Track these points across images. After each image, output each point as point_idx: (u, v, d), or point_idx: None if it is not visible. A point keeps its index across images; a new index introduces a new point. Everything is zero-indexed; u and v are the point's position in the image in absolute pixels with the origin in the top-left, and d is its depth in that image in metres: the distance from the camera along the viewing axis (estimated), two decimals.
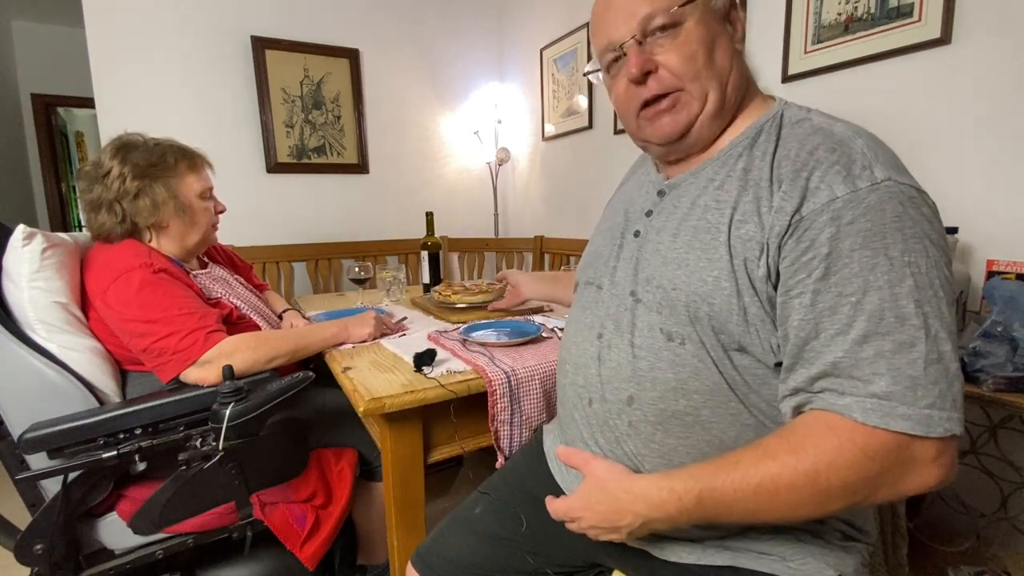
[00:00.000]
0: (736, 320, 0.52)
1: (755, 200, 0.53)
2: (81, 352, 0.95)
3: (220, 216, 1.22)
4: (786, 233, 0.49)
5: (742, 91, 0.60)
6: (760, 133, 0.57)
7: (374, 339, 1.16)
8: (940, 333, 0.45)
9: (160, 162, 1.08)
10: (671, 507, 0.51)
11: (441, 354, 0.99)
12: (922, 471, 0.45)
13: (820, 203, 0.48)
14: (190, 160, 1.14)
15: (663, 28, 0.56)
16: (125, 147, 1.07)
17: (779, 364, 0.53)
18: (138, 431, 0.89)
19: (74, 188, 4.41)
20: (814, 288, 0.48)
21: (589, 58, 2.34)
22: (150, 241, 1.10)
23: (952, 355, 0.45)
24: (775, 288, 0.51)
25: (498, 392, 0.88)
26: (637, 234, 0.65)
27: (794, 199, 0.49)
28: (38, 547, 0.85)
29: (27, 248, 0.93)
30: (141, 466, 0.91)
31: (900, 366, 0.44)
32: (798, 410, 0.51)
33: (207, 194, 1.16)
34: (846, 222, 0.46)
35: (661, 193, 0.65)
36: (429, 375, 0.89)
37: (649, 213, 0.65)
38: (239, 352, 0.98)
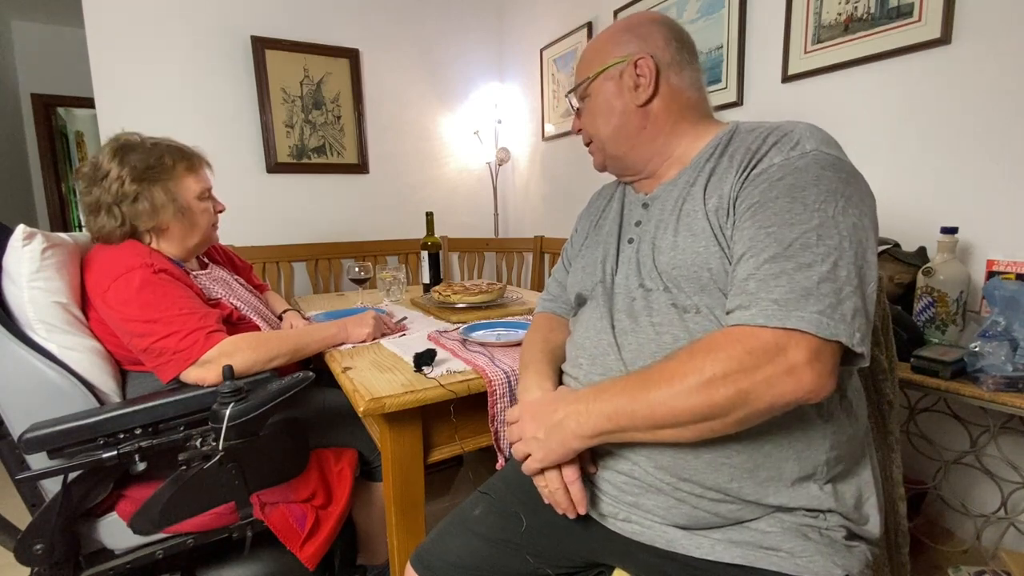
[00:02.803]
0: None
1: (718, 180, 0.64)
2: (81, 352, 0.95)
3: (220, 216, 1.21)
4: (738, 195, 0.60)
5: (670, 124, 0.72)
6: (720, 142, 0.68)
7: (374, 339, 1.16)
8: (839, 262, 0.52)
9: (158, 164, 1.07)
10: (590, 395, 0.60)
11: (441, 354, 0.99)
12: (795, 373, 0.49)
13: (762, 168, 0.59)
14: (188, 161, 1.13)
15: (581, 99, 0.78)
16: (123, 148, 1.06)
17: None
18: (138, 431, 0.89)
19: (74, 188, 4.41)
20: (743, 225, 0.58)
21: None
22: (150, 243, 1.10)
23: (850, 281, 0.51)
24: None
25: (498, 392, 0.88)
26: (631, 241, 0.72)
27: (746, 171, 0.61)
28: (38, 547, 0.85)
29: (27, 248, 0.93)
30: (141, 466, 0.91)
31: (798, 280, 0.51)
32: (727, 316, 0.56)
33: (205, 195, 1.15)
34: (776, 179, 0.57)
35: (645, 206, 0.73)
36: (429, 375, 0.89)
37: (638, 223, 0.73)
38: (239, 352, 0.98)
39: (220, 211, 1.21)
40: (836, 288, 0.51)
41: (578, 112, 0.80)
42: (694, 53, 0.75)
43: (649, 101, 0.72)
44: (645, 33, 0.72)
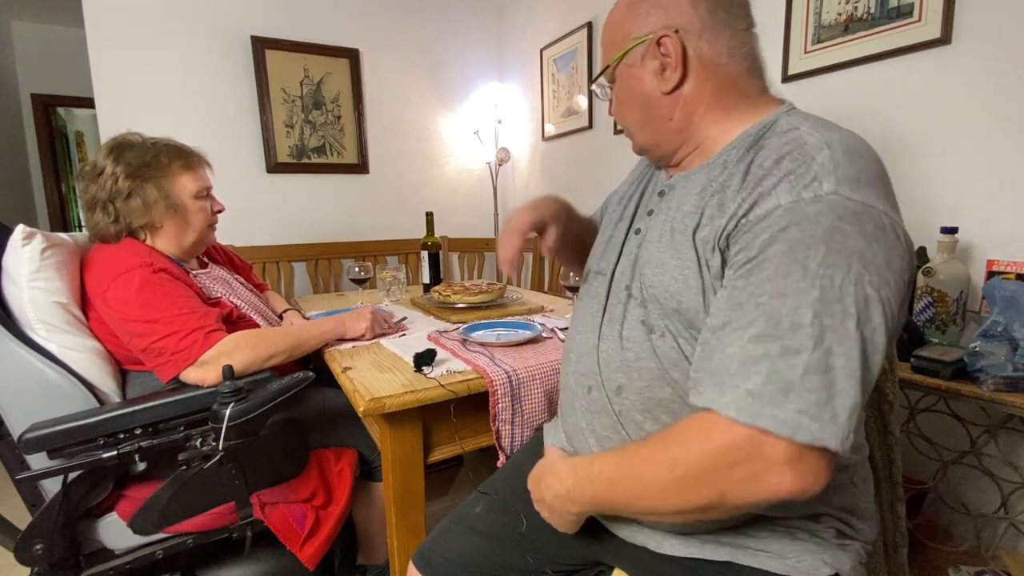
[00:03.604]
0: (703, 317, 0.54)
1: (719, 205, 0.55)
2: (81, 352, 0.95)
3: (218, 216, 1.21)
4: (732, 234, 0.52)
5: (701, 111, 0.62)
6: (744, 142, 0.58)
7: (373, 337, 1.16)
8: (835, 348, 0.43)
9: (153, 162, 1.07)
10: (570, 478, 0.59)
11: (441, 354, 0.99)
12: (774, 474, 0.44)
13: (765, 210, 0.49)
14: (185, 160, 1.12)
15: (611, 82, 0.69)
16: (120, 147, 1.07)
17: None
18: (138, 431, 0.89)
19: (74, 188, 4.41)
20: (734, 284, 0.49)
21: (589, 58, 2.34)
22: (145, 241, 1.10)
23: (845, 372, 0.43)
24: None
25: (499, 392, 0.88)
26: (638, 232, 0.68)
27: (746, 204, 0.51)
28: (38, 547, 0.85)
29: (27, 248, 0.93)
30: (141, 466, 0.91)
31: (779, 369, 0.44)
32: (696, 391, 0.50)
33: (203, 194, 1.15)
34: (779, 228, 0.47)
35: (662, 193, 0.68)
36: (429, 375, 0.89)
37: (651, 212, 0.67)
38: (238, 351, 0.98)
39: (218, 211, 1.20)
40: (827, 382, 0.43)
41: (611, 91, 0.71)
42: (736, 9, 0.61)
43: (679, 86, 0.61)
44: None
